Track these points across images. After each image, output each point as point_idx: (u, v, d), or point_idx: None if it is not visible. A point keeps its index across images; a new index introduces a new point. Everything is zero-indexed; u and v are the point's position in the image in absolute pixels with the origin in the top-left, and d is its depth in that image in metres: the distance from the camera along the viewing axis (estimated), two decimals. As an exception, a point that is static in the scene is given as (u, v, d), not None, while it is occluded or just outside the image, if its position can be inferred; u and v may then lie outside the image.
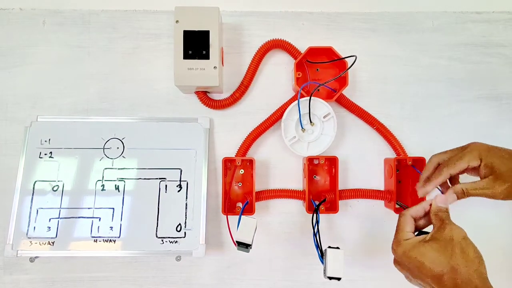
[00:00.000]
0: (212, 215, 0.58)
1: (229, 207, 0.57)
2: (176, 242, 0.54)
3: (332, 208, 0.56)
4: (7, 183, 0.56)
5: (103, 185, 0.56)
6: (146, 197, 0.55)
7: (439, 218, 0.40)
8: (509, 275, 0.59)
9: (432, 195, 0.45)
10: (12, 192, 0.55)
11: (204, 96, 0.59)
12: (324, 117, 0.56)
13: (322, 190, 0.59)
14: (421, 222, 0.43)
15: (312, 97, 0.55)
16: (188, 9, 0.54)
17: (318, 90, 0.60)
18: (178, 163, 0.57)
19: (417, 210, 0.43)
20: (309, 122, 0.56)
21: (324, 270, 0.47)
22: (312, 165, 0.59)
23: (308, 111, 0.55)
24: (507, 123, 0.61)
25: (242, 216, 0.50)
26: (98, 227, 0.54)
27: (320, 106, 0.56)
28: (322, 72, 0.60)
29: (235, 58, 0.62)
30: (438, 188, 0.47)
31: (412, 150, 0.59)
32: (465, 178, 0.46)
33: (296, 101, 0.55)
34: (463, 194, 0.42)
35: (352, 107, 0.59)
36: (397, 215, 0.56)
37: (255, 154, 0.60)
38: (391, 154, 0.60)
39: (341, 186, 0.58)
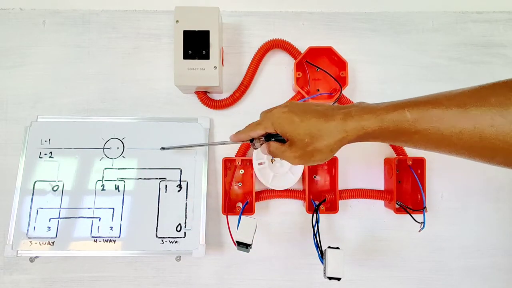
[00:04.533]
0: (212, 215, 0.58)
1: (229, 207, 0.57)
2: (176, 242, 0.54)
3: (332, 208, 0.56)
4: (7, 183, 0.56)
5: (103, 185, 0.56)
6: (146, 197, 0.55)
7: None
8: (510, 275, 0.59)
9: None
10: (12, 192, 0.55)
11: (204, 96, 0.59)
12: None
13: (322, 190, 0.59)
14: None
15: None
16: (188, 9, 0.54)
17: (318, 90, 0.60)
18: (178, 163, 0.57)
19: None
20: None
21: (324, 270, 0.47)
22: (312, 165, 0.59)
23: None
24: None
25: (242, 216, 0.50)
26: (98, 227, 0.54)
27: None
28: (322, 72, 0.60)
29: (235, 58, 0.62)
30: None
31: (412, 150, 0.59)
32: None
33: None
34: (269, 152, 0.43)
35: (352, 107, 0.59)
36: (397, 215, 0.56)
37: (255, 154, 0.60)
38: (391, 154, 0.60)
39: (341, 186, 0.58)
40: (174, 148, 0.56)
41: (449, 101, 0.33)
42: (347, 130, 0.36)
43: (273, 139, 0.42)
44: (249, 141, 0.45)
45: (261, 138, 0.43)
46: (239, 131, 0.45)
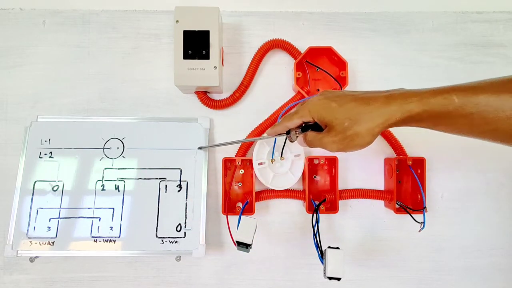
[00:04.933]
0: (212, 215, 0.58)
1: (229, 207, 0.57)
2: (176, 242, 0.54)
3: (332, 208, 0.56)
4: (7, 183, 0.56)
5: (103, 185, 0.56)
6: (146, 197, 0.55)
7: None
8: (510, 275, 0.59)
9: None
10: (12, 192, 0.55)
11: (204, 96, 0.59)
12: (295, 156, 0.56)
13: (322, 190, 0.59)
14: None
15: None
16: (188, 9, 0.54)
17: (318, 90, 0.60)
18: (178, 163, 0.57)
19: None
20: (281, 155, 0.56)
21: (324, 270, 0.47)
22: (312, 165, 0.59)
23: (283, 144, 0.55)
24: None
25: (242, 216, 0.50)
26: (98, 227, 0.54)
27: (296, 144, 0.55)
28: (322, 72, 0.60)
29: (235, 58, 0.62)
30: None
31: (412, 150, 0.59)
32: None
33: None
34: (305, 142, 0.43)
35: (352, 107, 0.59)
36: (397, 215, 0.56)
37: (255, 154, 0.60)
38: (391, 154, 0.60)
39: (341, 186, 0.58)
40: (211, 146, 0.57)
41: (497, 87, 0.34)
42: (390, 113, 0.36)
43: (310, 129, 0.42)
44: (285, 134, 0.44)
45: (298, 130, 0.43)
46: (275, 124, 0.45)
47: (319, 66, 0.60)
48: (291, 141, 0.45)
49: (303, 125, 0.43)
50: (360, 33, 0.62)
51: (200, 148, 0.57)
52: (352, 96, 0.39)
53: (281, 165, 0.57)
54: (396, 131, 0.59)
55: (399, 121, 0.36)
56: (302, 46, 0.59)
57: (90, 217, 0.55)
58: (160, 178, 0.56)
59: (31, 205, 0.55)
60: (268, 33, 0.61)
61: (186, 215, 0.55)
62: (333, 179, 0.57)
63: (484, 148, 0.60)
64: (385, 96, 0.37)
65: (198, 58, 0.54)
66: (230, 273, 0.58)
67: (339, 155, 0.56)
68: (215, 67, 0.54)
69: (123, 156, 0.57)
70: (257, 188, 0.57)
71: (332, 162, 0.57)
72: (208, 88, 0.57)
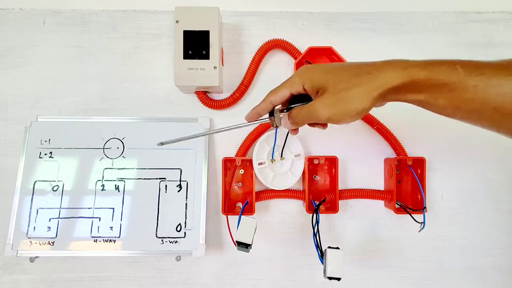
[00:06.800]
0: (212, 215, 0.58)
1: (229, 207, 0.57)
2: (176, 242, 0.54)
3: (332, 208, 0.56)
4: (7, 183, 0.56)
5: (103, 185, 0.56)
6: (146, 197, 0.55)
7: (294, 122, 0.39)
8: (510, 275, 0.59)
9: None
10: (12, 192, 0.55)
11: (204, 96, 0.59)
12: (295, 155, 0.56)
13: (322, 190, 0.59)
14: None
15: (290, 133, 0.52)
16: (188, 9, 0.54)
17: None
18: (178, 163, 0.57)
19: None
20: (281, 155, 0.56)
21: (324, 270, 0.47)
22: (312, 165, 0.59)
23: (283, 144, 0.55)
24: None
25: (242, 216, 0.50)
26: (98, 227, 0.54)
27: (296, 144, 0.56)
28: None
29: (235, 58, 0.62)
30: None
31: (412, 150, 0.59)
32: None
33: (275, 129, 0.54)
34: (291, 119, 0.38)
35: (352, 107, 0.59)
36: (397, 215, 0.56)
37: (255, 154, 0.60)
38: (391, 154, 0.60)
39: (341, 186, 0.58)
40: (174, 141, 0.45)
41: (501, 65, 0.32)
42: (390, 76, 0.33)
43: (294, 105, 0.37)
44: (268, 117, 0.39)
45: (283, 109, 0.38)
46: (257, 105, 0.39)
47: (319, 66, 0.60)
48: (274, 126, 0.39)
49: (289, 102, 0.38)
50: (360, 33, 0.62)
51: (161, 143, 0.46)
52: (345, 64, 0.36)
53: (281, 165, 0.57)
54: (396, 131, 0.59)
55: (400, 87, 0.33)
56: (302, 46, 0.59)
57: (90, 217, 0.55)
58: (160, 178, 0.56)
59: (31, 205, 0.55)
60: (268, 33, 0.61)
61: (186, 215, 0.55)
62: (333, 179, 0.57)
63: (484, 148, 0.60)
64: (384, 62, 0.35)
65: (198, 58, 0.54)
66: (230, 273, 0.58)
67: (339, 154, 0.56)
68: (215, 67, 0.54)
69: (123, 156, 0.57)
70: (257, 188, 0.57)
71: (332, 162, 0.57)
72: (208, 88, 0.57)
